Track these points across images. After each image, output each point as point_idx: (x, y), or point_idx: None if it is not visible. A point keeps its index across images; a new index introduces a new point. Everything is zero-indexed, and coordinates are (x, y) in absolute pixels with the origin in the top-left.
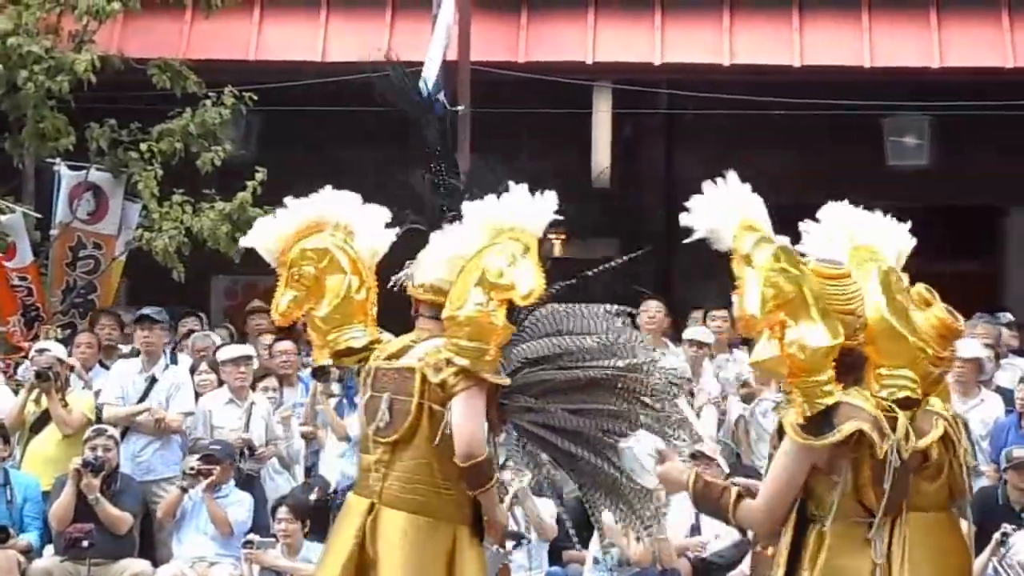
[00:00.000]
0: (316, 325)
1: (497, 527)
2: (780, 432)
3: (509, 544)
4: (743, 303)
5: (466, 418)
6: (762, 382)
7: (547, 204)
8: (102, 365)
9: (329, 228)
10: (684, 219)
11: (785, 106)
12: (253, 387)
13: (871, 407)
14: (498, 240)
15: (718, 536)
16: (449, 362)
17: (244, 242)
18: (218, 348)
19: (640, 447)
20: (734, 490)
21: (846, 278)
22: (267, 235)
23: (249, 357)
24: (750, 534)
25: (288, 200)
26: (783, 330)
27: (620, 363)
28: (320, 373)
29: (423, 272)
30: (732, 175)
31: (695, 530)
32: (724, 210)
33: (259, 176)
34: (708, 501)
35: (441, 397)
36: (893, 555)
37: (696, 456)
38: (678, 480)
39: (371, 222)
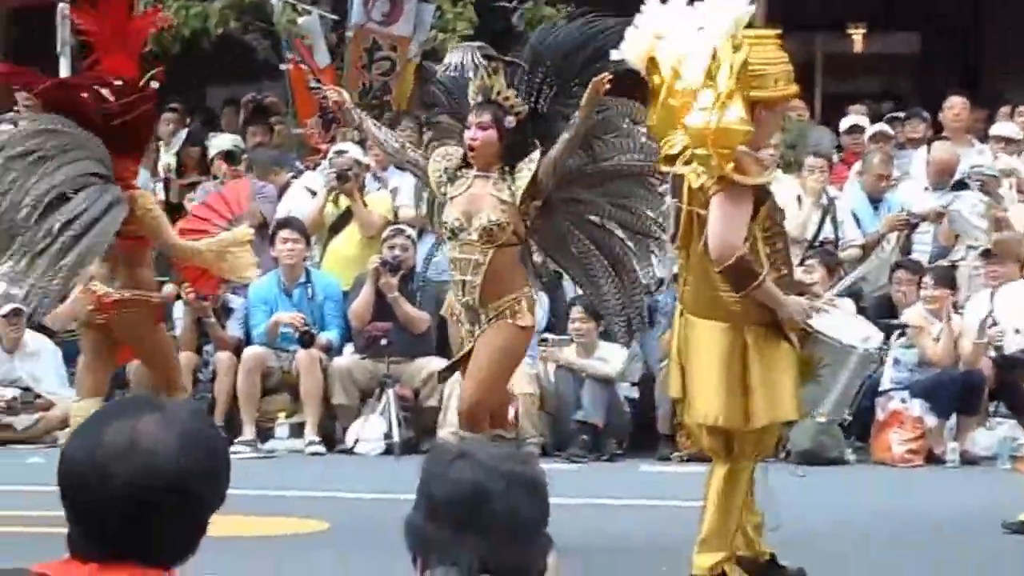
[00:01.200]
0: (654, 132)
1: (789, 323)
2: None
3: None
4: None
5: (716, 220)
6: None
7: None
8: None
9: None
10: None
11: None
12: None
13: None
14: (721, 40)
15: (1018, 331)
16: None
17: (616, 55)
18: None
19: (963, 204)
20: None
21: None
22: (632, 47)
23: None
24: None
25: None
26: None
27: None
28: None
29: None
30: None
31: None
32: None
33: None
34: None
35: (703, 201)
36: None
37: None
38: (1017, 252)
39: (685, 25)
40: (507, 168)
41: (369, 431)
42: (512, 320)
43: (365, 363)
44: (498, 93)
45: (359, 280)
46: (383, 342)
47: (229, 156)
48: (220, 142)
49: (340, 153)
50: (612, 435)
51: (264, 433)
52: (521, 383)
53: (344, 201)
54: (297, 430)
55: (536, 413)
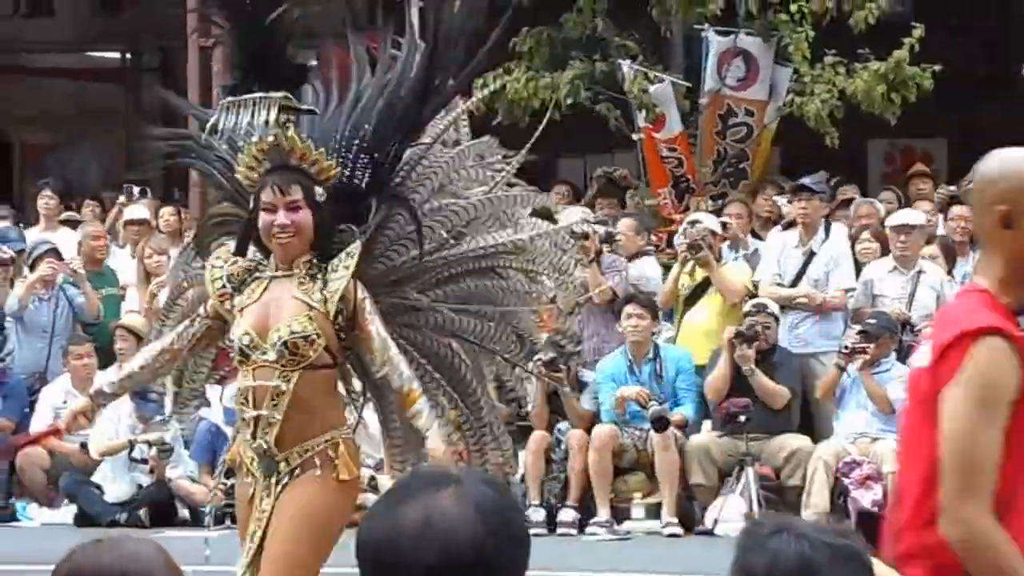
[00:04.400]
0: None
1: None
2: None
3: None
4: None
5: None
6: None
7: None
8: (755, 236)
9: None
10: None
11: None
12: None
13: None
14: None
15: None
16: None
17: None
18: (885, 216)
19: None
20: None
21: None
22: None
23: (912, 227)
24: None
25: None
26: None
27: (503, 238)
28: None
29: None
30: None
31: None
32: None
33: (916, 33)
34: None
35: None
36: None
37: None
38: None
39: None
40: (316, 262)
41: (729, 511)
42: (324, 473)
43: (723, 440)
44: (302, 157)
45: (716, 353)
46: (742, 418)
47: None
48: (568, 215)
49: (694, 223)
50: None
51: (619, 514)
52: (888, 461)
53: (700, 272)
54: (653, 510)
55: None
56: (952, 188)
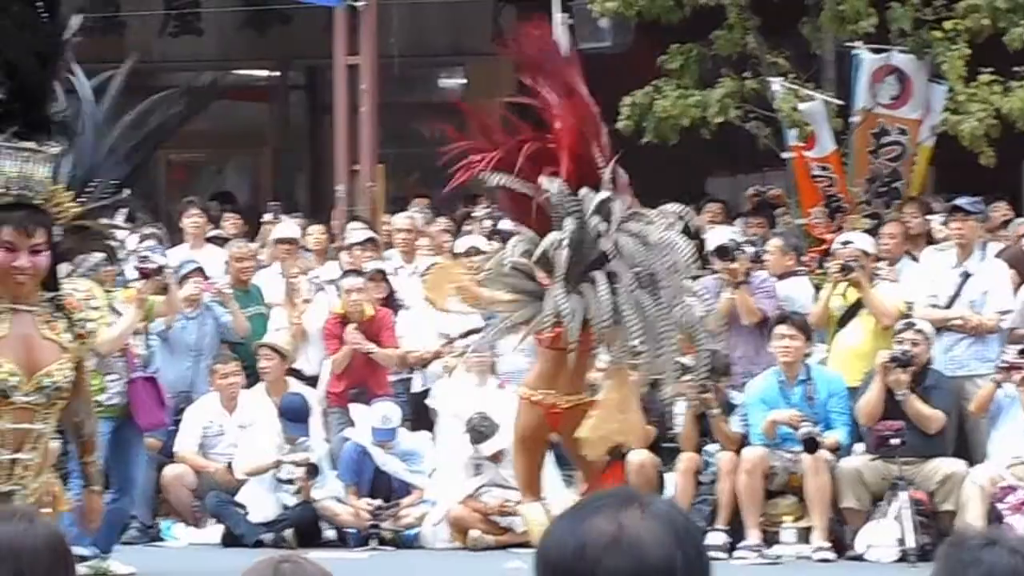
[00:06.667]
0: None
1: None
2: None
3: None
4: None
5: None
6: None
7: None
8: (910, 256)
9: None
10: None
11: None
12: None
13: None
14: None
15: None
16: None
17: None
18: (1022, 237)
19: None
20: None
21: None
22: None
23: None
24: None
25: None
26: None
27: None
28: None
29: None
30: None
31: None
32: None
33: None
34: None
35: None
36: None
37: None
38: None
39: None
40: (51, 297)
41: (881, 536)
42: (55, 508)
43: (876, 464)
44: (47, 199)
45: (868, 376)
46: (895, 442)
47: (722, 250)
48: (716, 236)
49: (846, 244)
50: None
51: (769, 537)
52: None
53: (852, 293)
54: (804, 535)
55: None
56: None
